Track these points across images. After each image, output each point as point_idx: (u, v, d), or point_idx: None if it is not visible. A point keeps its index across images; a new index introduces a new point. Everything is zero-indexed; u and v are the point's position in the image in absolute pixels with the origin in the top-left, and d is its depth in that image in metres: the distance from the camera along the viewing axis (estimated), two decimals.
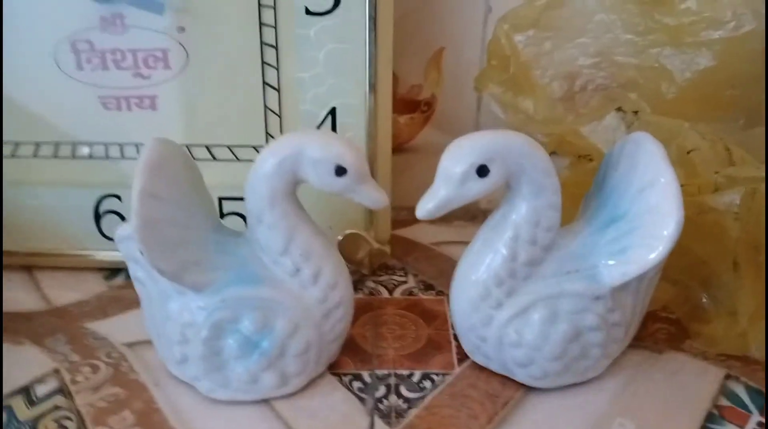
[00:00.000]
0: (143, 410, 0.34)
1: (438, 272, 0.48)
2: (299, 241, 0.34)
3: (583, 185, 0.40)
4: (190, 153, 0.45)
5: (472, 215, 0.55)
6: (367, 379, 0.37)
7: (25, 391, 0.36)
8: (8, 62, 0.43)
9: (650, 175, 0.33)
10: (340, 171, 0.32)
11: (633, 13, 0.42)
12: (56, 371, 0.37)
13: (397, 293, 0.45)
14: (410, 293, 0.45)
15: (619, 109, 0.41)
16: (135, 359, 0.38)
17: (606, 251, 0.34)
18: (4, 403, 0.35)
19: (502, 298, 0.35)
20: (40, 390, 0.36)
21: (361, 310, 0.43)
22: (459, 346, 0.39)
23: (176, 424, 0.34)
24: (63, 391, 0.36)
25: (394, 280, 0.47)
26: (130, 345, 0.39)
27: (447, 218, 0.55)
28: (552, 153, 0.44)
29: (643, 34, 0.43)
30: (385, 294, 0.45)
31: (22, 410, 0.34)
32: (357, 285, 0.46)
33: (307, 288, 0.34)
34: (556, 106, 0.46)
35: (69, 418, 0.34)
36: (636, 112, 0.41)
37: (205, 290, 0.33)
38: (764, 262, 0.37)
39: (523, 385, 0.37)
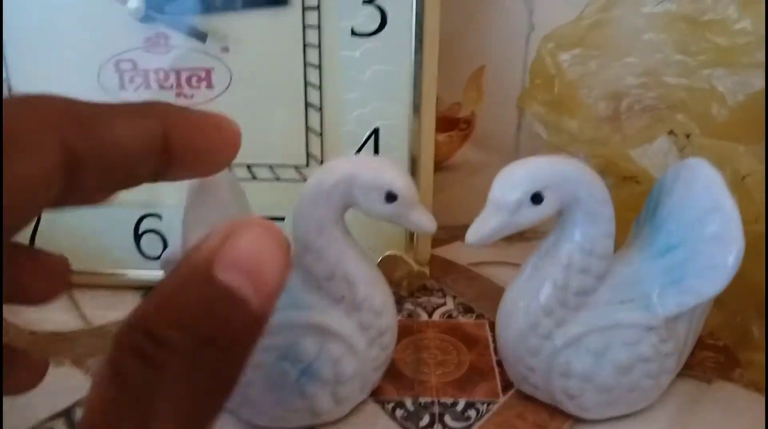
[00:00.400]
0: None
1: (477, 294, 0.47)
2: (345, 267, 0.33)
3: (629, 208, 0.39)
4: None
5: (510, 236, 0.54)
6: (410, 407, 0.36)
7: (67, 415, 0.36)
8: (53, 82, 0.44)
9: (708, 203, 0.32)
10: (391, 197, 0.31)
11: (684, 33, 0.42)
12: None
13: (437, 316, 0.45)
14: (450, 316, 0.45)
15: (671, 132, 0.40)
16: None
17: (661, 281, 0.33)
18: (47, 426, 0.35)
19: (552, 328, 0.34)
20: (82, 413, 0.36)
21: (401, 333, 0.42)
22: (503, 373, 0.38)
23: None
24: None
25: (433, 302, 0.46)
26: None
27: None
28: None
29: (694, 54, 0.42)
30: (424, 316, 0.45)
31: None
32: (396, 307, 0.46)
33: (351, 315, 0.34)
34: (601, 126, 0.45)
35: None
36: (688, 136, 0.40)
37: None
38: None
39: (571, 416, 0.36)
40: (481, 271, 0.50)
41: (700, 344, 0.41)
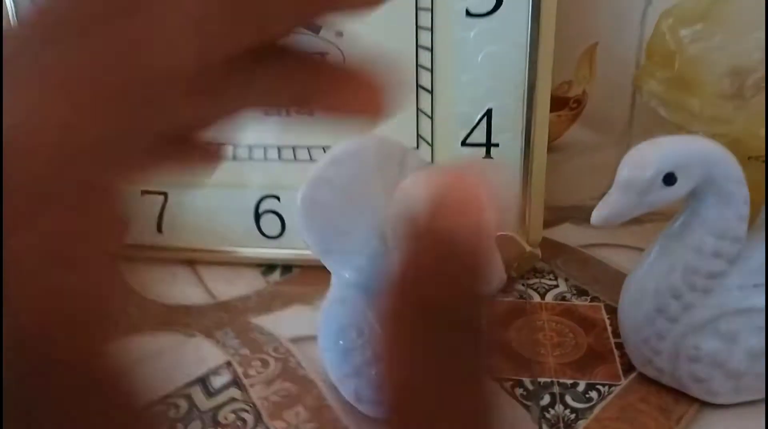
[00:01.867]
0: (315, 406, 0.36)
1: (590, 277, 0.46)
2: None
3: (756, 189, 0.38)
4: None
5: None
6: (529, 386, 0.37)
7: (203, 382, 0.38)
8: None
9: None
10: None
11: None
12: (229, 364, 0.39)
13: (549, 298, 0.44)
14: (563, 298, 0.44)
15: None
16: (301, 355, 0.40)
17: None
18: (185, 392, 0.37)
19: (680, 311, 0.33)
20: (216, 381, 0.38)
21: (513, 314, 0.43)
22: (622, 357, 0.38)
23: (347, 421, 0.35)
24: (237, 383, 0.38)
25: (544, 284, 0.46)
26: (295, 340, 0.41)
27: None
28: None
29: None
30: (536, 298, 0.44)
31: (201, 400, 0.37)
32: (505, 288, 0.46)
33: None
34: (725, 104, 0.43)
35: (246, 411, 0.36)
36: None
37: (335, 282, 0.35)
38: None
39: (697, 400, 0.35)
40: (593, 252, 0.49)
41: None
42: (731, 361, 0.33)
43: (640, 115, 0.49)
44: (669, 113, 0.45)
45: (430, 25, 0.42)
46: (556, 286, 0.46)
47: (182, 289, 0.47)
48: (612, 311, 0.43)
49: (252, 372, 0.38)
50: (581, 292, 0.45)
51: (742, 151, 0.43)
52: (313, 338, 0.39)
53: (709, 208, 0.32)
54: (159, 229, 0.49)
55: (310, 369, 0.38)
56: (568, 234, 0.51)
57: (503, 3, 0.40)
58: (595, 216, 0.32)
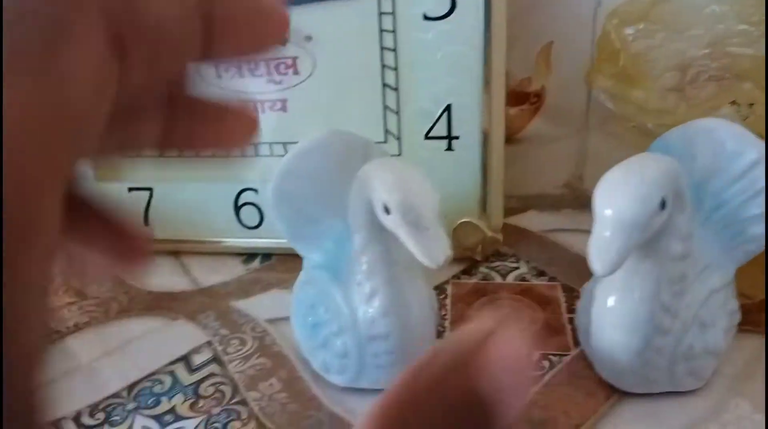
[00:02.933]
0: (288, 378, 0.39)
1: (550, 259, 0.50)
2: (370, 255, 0.34)
3: None
4: None
5: (581, 203, 0.56)
6: None
7: (185, 360, 0.41)
8: None
9: (750, 157, 0.33)
10: (386, 209, 0.31)
11: (746, 4, 0.43)
12: (209, 343, 0.42)
13: (510, 278, 0.48)
14: (523, 279, 0.48)
15: (733, 103, 0.41)
16: (277, 333, 0.43)
17: (722, 238, 0.35)
18: (168, 369, 0.40)
19: (670, 323, 0.34)
20: (197, 359, 0.41)
21: (476, 294, 0.46)
22: (574, 330, 0.41)
23: (317, 391, 0.38)
24: (217, 360, 0.41)
25: (506, 266, 0.49)
26: (271, 321, 0.44)
27: (556, 206, 0.57)
28: None
29: (757, 23, 0.43)
30: (498, 279, 0.48)
31: (184, 376, 0.40)
32: (470, 270, 0.49)
33: (361, 303, 0.35)
34: (667, 96, 0.47)
35: (225, 384, 0.39)
36: (751, 105, 0.41)
37: (305, 265, 0.39)
38: None
39: None
40: (554, 237, 0.52)
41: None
42: (716, 344, 0.35)
43: (596, 108, 0.52)
44: (617, 106, 0.49)
45: (392, 28, 0.46)
46: (518, 268, 0.49)
47: (168, 277, 0.50)
48: (568, 290, 0.46)
49: (230, 350, 0.42)
50: (540, 273, 0.48)
51: None
52: (288, 319, 0.43)
53: (673, 216, 0.32)
54: (145, 222, 0.52)
55: (284, 345, 0.42)
56: (532, 220, 0.55)
57: (457, 7, 0.43)
58: (600, 267, 0.30)
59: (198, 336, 0.43)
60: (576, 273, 0.48)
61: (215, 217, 0.51)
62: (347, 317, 0.36)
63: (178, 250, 0.53)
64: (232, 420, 0.36)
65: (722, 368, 0.37)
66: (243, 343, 0.42)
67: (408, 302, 0.35)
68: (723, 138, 0.35)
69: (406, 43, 0.46)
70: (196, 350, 0.42)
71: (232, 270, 0.51)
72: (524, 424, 0.35)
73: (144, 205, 0.52)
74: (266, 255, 0.52)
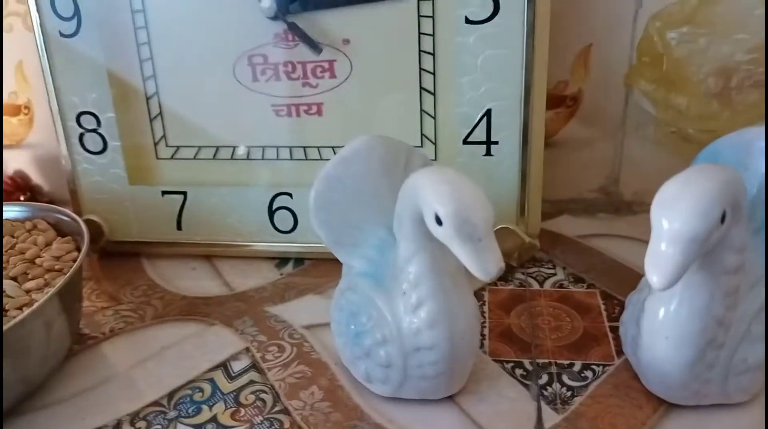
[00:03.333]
0: (328, 386, 0.39)
1: (587, 265, 0.49)
2: (417, 265, 0.34)
3: None
4: None
5: (615, 208, 0.56)
6: (529, 367, 0.39)
7: (224, 367, 0.41)
8: (195, 77, 0.49)
9: None
10: (438, 220, 0.31)
11: None
12: (247, 350, 0.42)
13: (548, 285, 0.47)
14: (560, 286, 0.47)
15: None
16: (314, 340, 0.42)
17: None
18: (208, 376, 0.40)
19: (724, 336, 0.33)
20: (236, 366, 0.41)
21: (514, 301, 0.45)
22: (616, 339, 0.41)
23: (359, 401, 0.37)
24: (256, 367, 0.41)
25: (543, 272, 0.49)
26: (308, 327, 0.44)
27: (591, 210, 0.56)
28: None
29: None
30: (535, 286, 0.47)
31: (223, 383, 0.39)
32: (506, 276, 0.48)
33: (406, 313, 0.35)
34: (711, 102, 0.46)
35: (265, 392, 0.39)
36: None
37: (346, 272, 0.39)
38: None
39: None
40: (589, 242, 0.52)
41: None
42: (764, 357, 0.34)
43: (633, 112, 0.52)
44: (658, 111, 0.48)
45: (432, 32, 0.45)
46: (555, 274, 0.48)
47: (202, 282, 0.50)
48: (607, 297, 0.45)
49: (269, 357, 0.41)
50: (578, 280, 0.47)
51: None
52: (325, 325, 0.42)
53: (729, 228, 0.31)
54: (179, 226, 0.52)
55: (323, 353, 0.41)
56: (566, 225, 0.54)
57: (500, 10, 0.43)
58: (659, 282, 0.29)
59: (236, 342, 0.43)
60: (614, 280, 0.47)
61: (249, 221, 0.51)
62: (391, 327, 0.35)
63: (210, 254, 0.53)
64: None
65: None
66: (281, 349, 0.42)
67: (455, 313, 0.35)
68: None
69: (446, 47, 0.45)
70: (235, 357, 0.42)
71: (267, 274, 0.50)
72: None
73: (178, 208, 0.52)
74: (299, 259, 0.52)
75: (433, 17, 0.45)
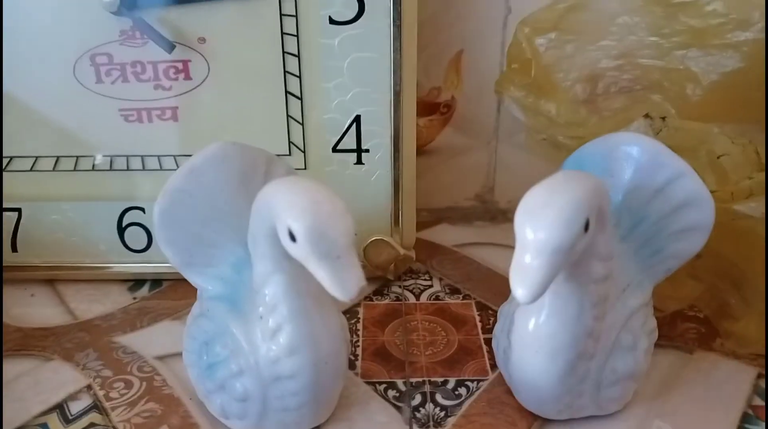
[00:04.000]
0: (180, 425, 0.34)
1: (463, 275, 0.48)
2: (273, 286, 0.31)
3: None
4: None
5: (491, 216, 0.55)
6: (402, 387, 0.37)
7: (60, 409, 0.36)
8: (29, 77, 0.43)
9: (669, 172, 0.33)
10: (293, 237, 0.27)
11: (657, 15, 0.42)
12: (89, 387, 0.37)
13: (424, 298, 0.45)
14: (437, 298, 0.45)
15: (646, 116, 0.41)
16: (167, 372, 0.38)
17: (641, 256, 0.34)
18: (40, 421, 0.35)
19: (593, 347, 0.32)
20: (75, 407, 0.36)
21: (390, 316, 0.43)
22: (490, 352, 0.39)
23: None
24: (98, 407, 0.36)
25: (420, 285, 0.47)
26: (161, 358, 0.39)
27: (468, 219, 0.55)
28: None
29: (668, 36, 0.43)
30: (412, 299, 0.45)
31: (58, 428, 0.34)
32: (383, 290, 0.46)
33: (264, 339, 0.31)
34: (578, 108, 0.46)
35: None
36: (664, 118, 0.41)
37: (200, 296, 0.35)
38: None
39: None
40: (466, 251, 0.51)
41: (682, 316, 0.43)
42: (639, 366, 0.34)
43: (506, 119, 0.51)
44: (528, 118, 0.47)
45: (295, 32, 0.42)
46: (431, 285, 0.47)
47: (41, 310, 0.44)
48: (482, 308, 0.44)
49: (114, 394, 0.36)
50: (454, 291, 0.46)
51: None
52: (180, 355, 0.38)
53: (595, 236, 0.30)
54: (14, 247, 0.46)
55: (176, 387, 0.37)
56: (444, 234, 0.53)
57: (365, 11, 0.40)
58: (523, 295, 0.27)
59: (76, 378, 0.38)
60: (489, 290, 0.46)
61: (96, 239, 0.46)
62: (248, 356, 0.32)
63: (53, 278, 0.47)
64: None
65: (640, 387, 0.36)
66: (129, 385, 0.37)
67: (317, 337, 0.32)
68: (639, 153, 0.34)
69: (311, 49, 0.42)
70: (74, 396, 0.36)
71: (117, 299, 0.45)
72: None
73: (12, 227, 0.45)
74: (156, 281, 0.47)
75: (296, 16, 0.42)
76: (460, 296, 0.46)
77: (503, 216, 0.55)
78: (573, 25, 0.46)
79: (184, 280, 0.45)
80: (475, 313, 0.44)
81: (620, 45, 0.45)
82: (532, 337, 0.32)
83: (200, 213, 0.34)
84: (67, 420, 0.35)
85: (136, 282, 0.47)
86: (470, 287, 0.46)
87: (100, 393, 0.37)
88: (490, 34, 0.49)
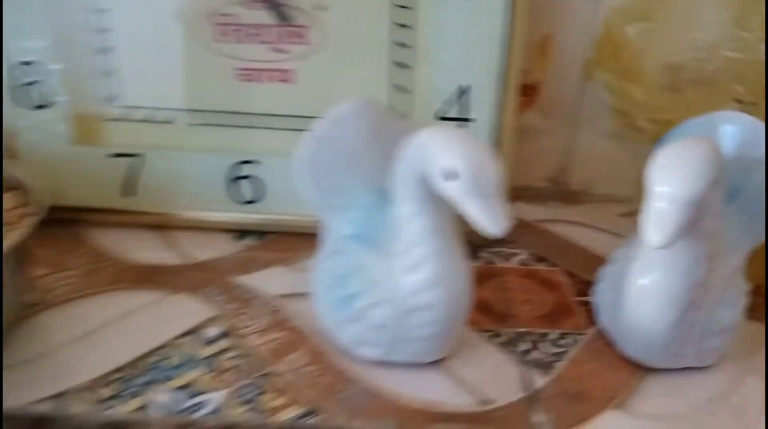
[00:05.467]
0: (313, 351, 0.37)
1: (547, 246, 0.50)
2: (418, 225, 0.33)
3: None
4: None
5: (563, 197, 0.58)
6: (506, 335, 0.40)
7: (195, 333, 0.38)
8: (154, 35, 0.46)
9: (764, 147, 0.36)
10: (450, 175, 0.30)
11: (747, 9, 0.46)
12: (218, 317, 0.39)
13: (513, 263, 0.48)
14: (525, 264, 0.48)
15: (738, 101, 0.44)
16: (290, 309, 0.40)
17: (739, 220, 0.37)
18: (176, 343, 0.37)
19: (703, 298, 0.35)
20: (209, 333, 0.38)
21: (483, 277, 0.46)
22: (586, 311, 0.42)
23: (345, 365, 0.36)
24: (231, 333, 0.38)
25: (506, 252, 0.50)
26: (283, 296, 0.42)
27: (540, 199, 0.58)
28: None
29: (755, 30, 0.46)
30: (502, 263, 0.48)
31: (197, 350, 0.37)
32: (473, 255, 0.49)
33: (404, 274, 0.34)
34: (663, 94, 0.49)
35: (246, 356, 0.36)
36: (754, 103, 0.44)
37: (331, 236, 0.38)
38: None
39: None
40: (546, 227, 0.53)
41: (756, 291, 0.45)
42: (736, 320, 0.37)
43: (588, 104, 0.54)
44: (615, 101, 0.51)
45: (410, 4, 0.45)
46: (518, 253, 0.49)
47: (152, 252, 0.46)
48: (570, 275, 0.47)
49: (244, 324, 0.39)
50: (540, 259, 0.49)
51: None
52: (299, 295, 0.41)
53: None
54: (129, 192, 0.48)
55: (301, 321, 0.39)
56: (520, 211, 0.55)
57: None
58: (658, 239, 0.31)
59: (204, 310, 0.40)
60: (574, 259, 0.49)
61: (205, 189, 0.48)
62: (385, 287, 0.35)
63: (161, 224, 0.49)
64: (263, 393, 0.34)
65: (731, 348, 0.39)
66: (256, 317, 0.40)
67: (454, 274, 0.34)
68: (742, 129, 0.38)
69: (424, 21, 0.45)
70: (205, 324, 0.39)
71: (224, 247, 0.47)
72: (561, 396, 0.35)
73: (127, 173, 0.48)
74: (260, 232, 0.49)
75: None
76: (547, 264, 0.48)
77: (575, 198, 0.57)
78: (661, 15, 0.49)
79: (287, 234, 0.48)
80: (565, 279, 0.46)
81: (706, 36, 0.48)
82: (648, 288, 0.35)
83: (340, 159, 0.37)
84: (203, 342, 0.37)
85: (240, 232, 0.49)
86: (555, 257, 0.49)
87: (231, 322, 0.39)
88: (579, 19, 0.52)
